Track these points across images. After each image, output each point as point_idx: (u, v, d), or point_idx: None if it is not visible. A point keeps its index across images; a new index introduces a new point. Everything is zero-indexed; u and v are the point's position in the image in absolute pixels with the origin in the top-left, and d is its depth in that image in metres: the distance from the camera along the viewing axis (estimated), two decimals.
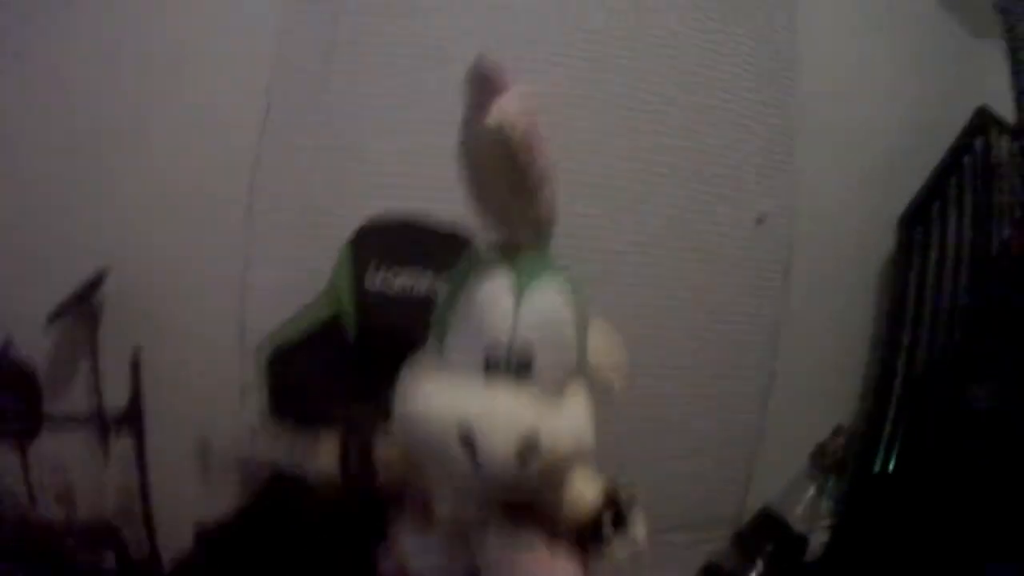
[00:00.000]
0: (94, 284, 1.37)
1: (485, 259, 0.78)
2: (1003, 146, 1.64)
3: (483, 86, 0.65)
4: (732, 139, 1.58)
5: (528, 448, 0.66)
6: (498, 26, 1.48)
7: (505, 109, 0.64)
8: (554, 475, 0.73)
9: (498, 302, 0.73)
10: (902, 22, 1.82)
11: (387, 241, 1.28)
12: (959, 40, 1.88)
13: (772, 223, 1.59)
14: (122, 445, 1.37)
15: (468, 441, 0.65)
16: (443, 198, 1.34)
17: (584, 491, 0.83)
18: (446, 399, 0.70)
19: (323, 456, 0.87)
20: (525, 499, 0.78)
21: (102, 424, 1.34)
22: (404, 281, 1.21)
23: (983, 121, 1.63)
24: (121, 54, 1.43)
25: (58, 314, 1.33)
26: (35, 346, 1.38)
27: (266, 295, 1.42)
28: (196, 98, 1.44)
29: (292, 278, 1.38)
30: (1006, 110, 1.66)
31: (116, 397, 1.37)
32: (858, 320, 1.73)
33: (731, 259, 1.57)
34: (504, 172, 0.70)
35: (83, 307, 1.36)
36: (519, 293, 0.74)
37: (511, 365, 0.72)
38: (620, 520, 0.81)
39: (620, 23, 1.53)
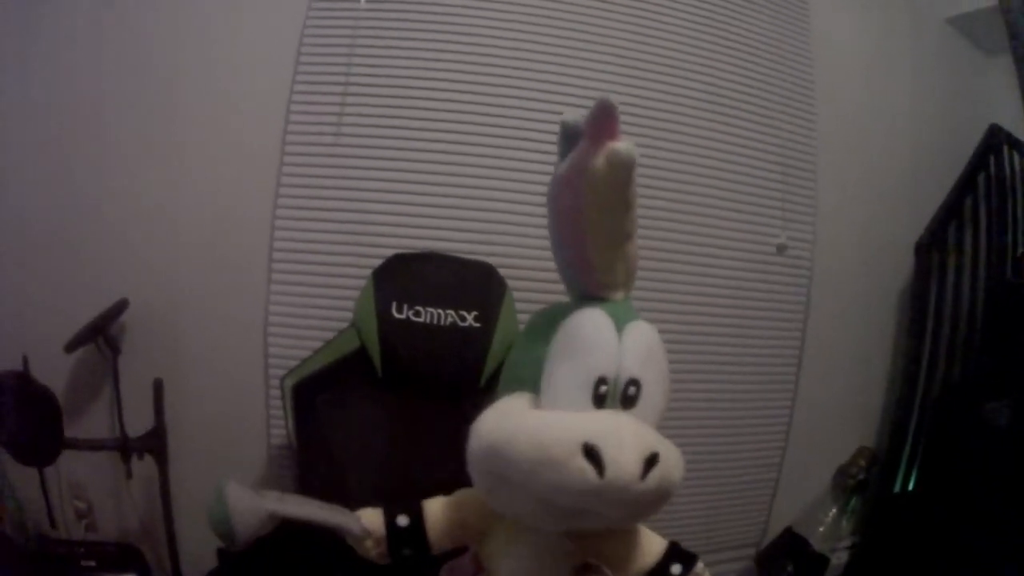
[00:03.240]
0: (111, 314, 1.36)
1: (578, 304, 0.81)
2: (1016, 163, 1.65)
3: (603, 123, 0.69)
4: (755, 173, 1.58)
5: (652, 463, 0.70)
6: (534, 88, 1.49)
7: (628, 144, 0.69)
8: (661, 500, 0.75)
9: (604, 336, 0.76)
10: (913, 42, 1.82)
11: (409, 276, 1.31)
12: (968, 56, 1.89)
13: (793, 252, 1.60)
14: (145, 468, 1.36)
15: (595, 455, 0.67)
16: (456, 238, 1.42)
17: (651, 543, 0.85)
18: (565, 422, 0.71)
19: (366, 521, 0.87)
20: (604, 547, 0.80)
21: (124, 448, 1.34)
22: (427, 314, 1.24)
23: (996, 139, 1.64)
24: (152, 100, 1.45)
25: (76, 343, 1.31)
26: (56, 373, 1.37)
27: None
28: (222, 138, 1.45)
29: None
30: (1012, 123, 1.66)
31: (138, 422, 1.36)
32: (877, 344, 1.74)
33: (754, 288, 1.57)
34: (614, 203, 0.74)
35: (101, 336, 1.35)
36: (619, 330, 0.77)
37: (619, 394, 0.75)
38: (686, 572, 0.83)
39: (655, 67, 1.54)
